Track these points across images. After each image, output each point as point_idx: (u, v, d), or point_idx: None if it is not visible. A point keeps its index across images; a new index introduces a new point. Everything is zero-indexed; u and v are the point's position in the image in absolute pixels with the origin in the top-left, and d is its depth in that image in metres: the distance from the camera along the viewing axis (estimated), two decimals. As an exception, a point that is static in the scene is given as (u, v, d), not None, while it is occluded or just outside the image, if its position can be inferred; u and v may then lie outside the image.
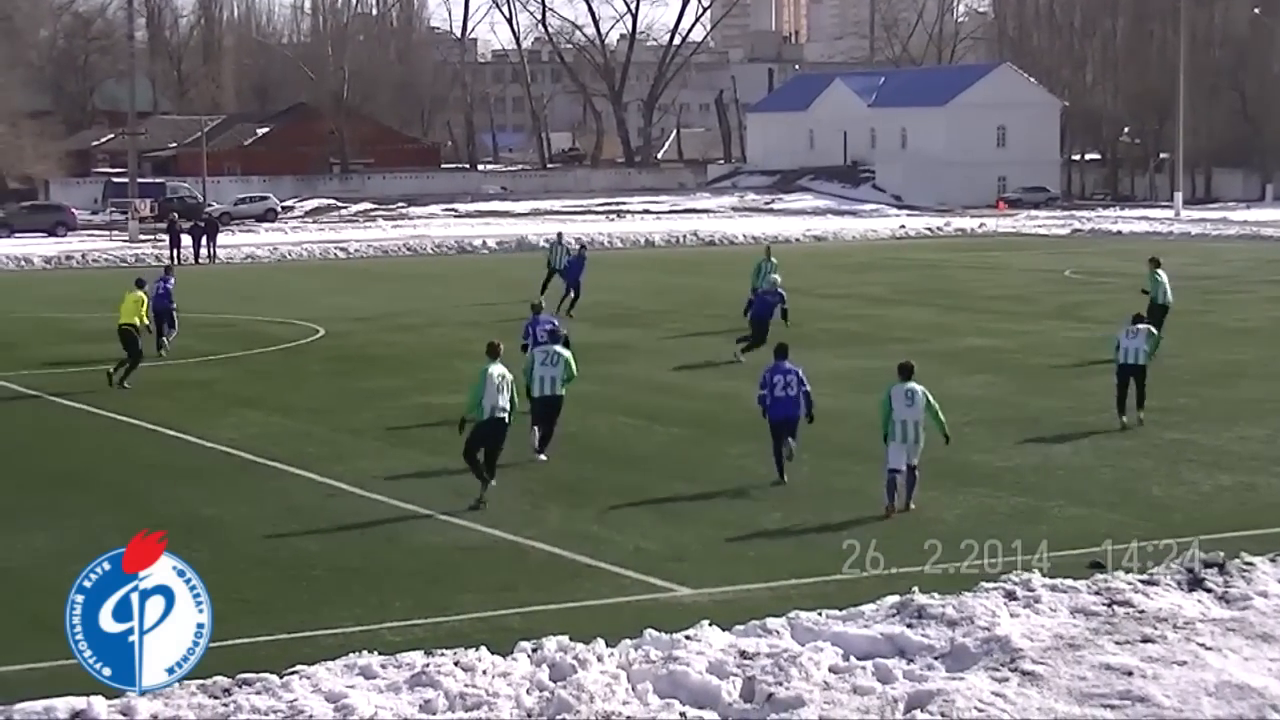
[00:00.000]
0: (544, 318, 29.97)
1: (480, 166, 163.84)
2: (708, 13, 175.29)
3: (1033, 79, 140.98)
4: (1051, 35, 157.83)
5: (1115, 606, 16.38)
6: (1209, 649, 15.17)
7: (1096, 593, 16.80)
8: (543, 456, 25.84)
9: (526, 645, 15.34)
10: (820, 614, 16.30)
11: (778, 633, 15.84)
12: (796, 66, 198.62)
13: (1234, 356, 37.38)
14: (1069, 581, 17.13)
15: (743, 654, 15.26)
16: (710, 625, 15.95)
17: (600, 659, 15.13)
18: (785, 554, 20.24)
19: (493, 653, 15.03)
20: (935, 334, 42.69)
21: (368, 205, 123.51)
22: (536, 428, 26.03)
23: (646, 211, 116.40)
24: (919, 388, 22.57)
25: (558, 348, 26.22)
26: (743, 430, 27.44)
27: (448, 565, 20.17)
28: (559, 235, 56.80)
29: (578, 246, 54.43)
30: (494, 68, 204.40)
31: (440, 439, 26.20)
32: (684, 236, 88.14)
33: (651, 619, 16.56)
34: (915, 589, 16.89)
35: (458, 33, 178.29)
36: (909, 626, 15.89)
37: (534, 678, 14.68)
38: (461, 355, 37.43)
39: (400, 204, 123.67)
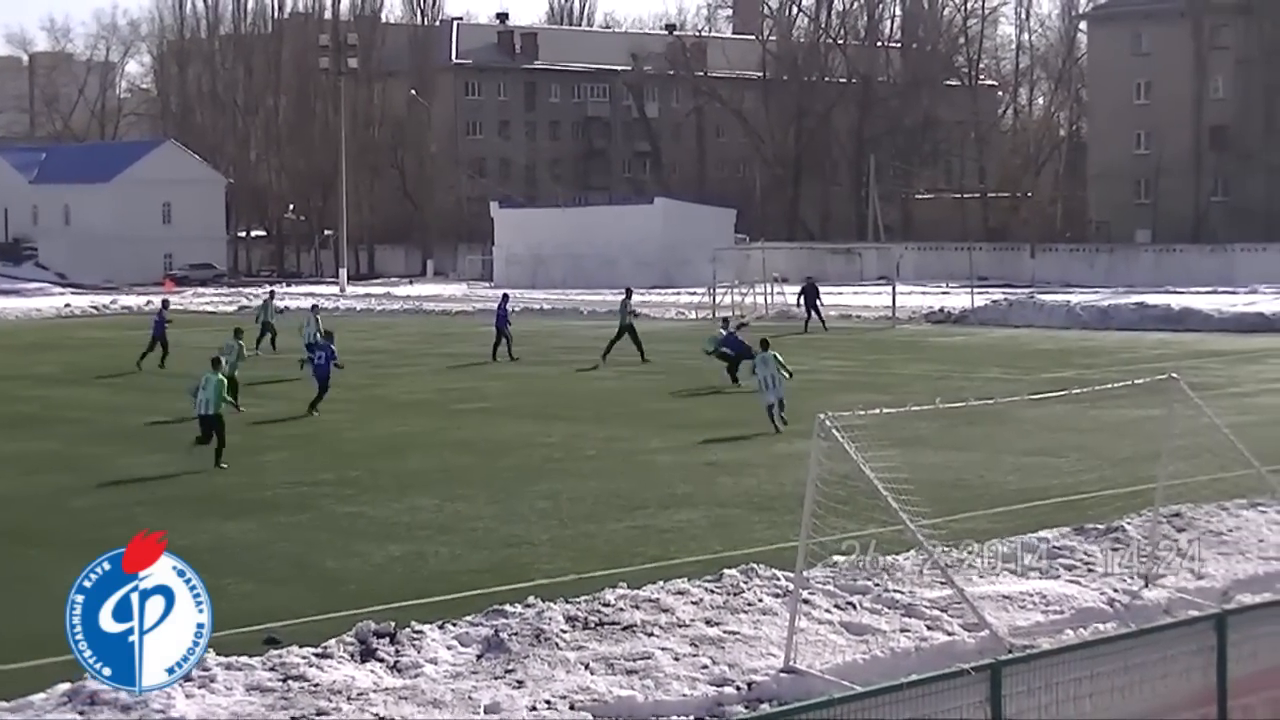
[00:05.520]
0: None
1: None
2: None
3: (197, 156, 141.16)
4: (215, 112, 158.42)
5: (290, 681, 16.51)
6: (383, 718, 15.50)
7: (272, 669, 16.88)
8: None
9: None
10: (-13, 709, 15.74)
11: (-59, 732, 15.20)
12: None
13: (403, 429, 38.33)
14: (244, 659, 17.13)
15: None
16: None
17: None
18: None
19: None
20: (107, 413, 42.00)
21: None
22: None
23: None
24: None
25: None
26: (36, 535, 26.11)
27: None
28: (271, 294, 66.71)
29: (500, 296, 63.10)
30: None
31: None
32: None
33: None
34: (88, 675, 16.51)
35: None
36: (81, 714, 15.53)
37: None
38: None
39: None
